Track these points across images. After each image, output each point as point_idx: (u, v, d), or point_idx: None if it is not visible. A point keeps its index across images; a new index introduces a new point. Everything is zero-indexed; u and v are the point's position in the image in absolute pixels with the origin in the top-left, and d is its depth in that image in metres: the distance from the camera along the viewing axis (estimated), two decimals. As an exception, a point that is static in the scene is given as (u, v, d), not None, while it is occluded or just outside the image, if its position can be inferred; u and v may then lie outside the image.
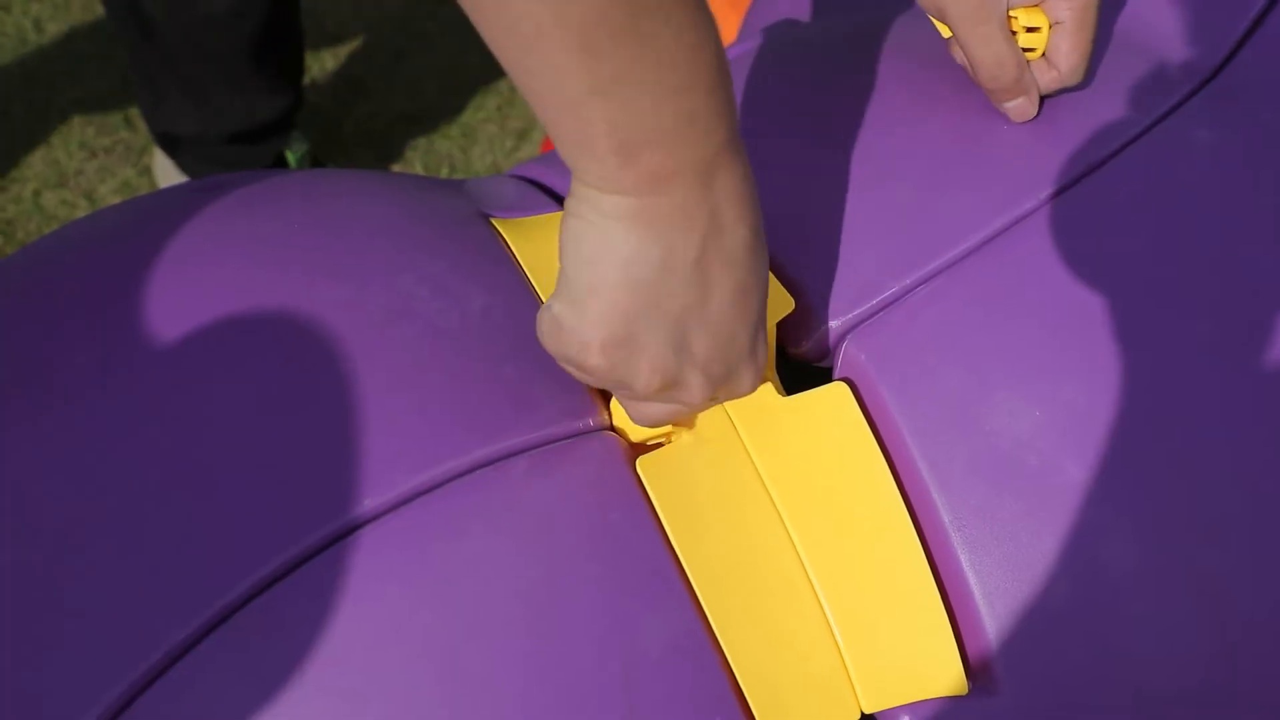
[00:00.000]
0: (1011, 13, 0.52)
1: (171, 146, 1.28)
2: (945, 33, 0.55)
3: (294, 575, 0.42)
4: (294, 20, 1.23)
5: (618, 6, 0.33)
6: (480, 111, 1.54)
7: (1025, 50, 0.52)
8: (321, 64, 1.57)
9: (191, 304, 0.47)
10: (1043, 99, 0.54)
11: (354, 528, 0.43)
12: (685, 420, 0.49)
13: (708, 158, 0.38)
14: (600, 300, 0.39)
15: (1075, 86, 0.54)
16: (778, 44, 0.63)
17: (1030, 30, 0.52)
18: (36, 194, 1.41)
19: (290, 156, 1.34)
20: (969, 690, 0.47)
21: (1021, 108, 0.53)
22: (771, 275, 0.52)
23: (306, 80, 1.54)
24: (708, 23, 0.36)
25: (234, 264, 0.49)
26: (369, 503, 0.43)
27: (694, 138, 0.37)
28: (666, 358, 0.41)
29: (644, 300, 0.39)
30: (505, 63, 0.36)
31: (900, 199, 0.52)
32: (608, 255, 0.39)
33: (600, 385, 0.43)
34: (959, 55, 0.54)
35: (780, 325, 0.51)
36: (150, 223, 0.52)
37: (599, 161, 0.37)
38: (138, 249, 0.50)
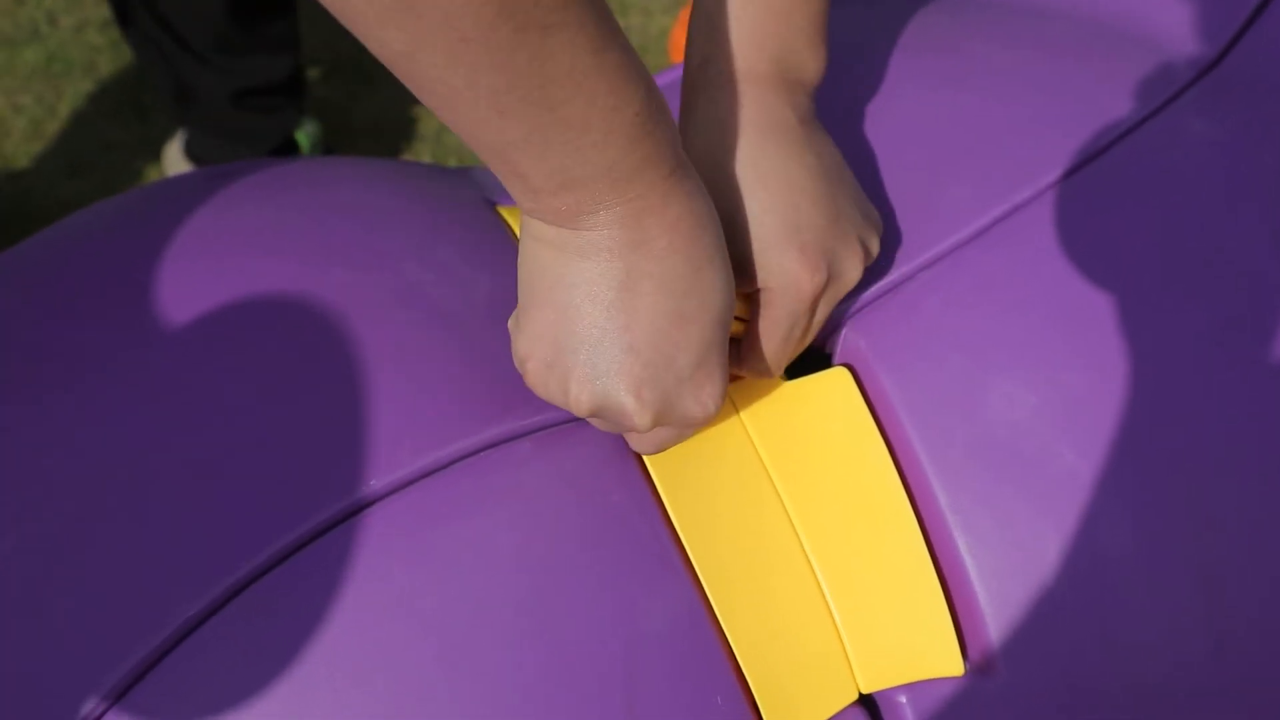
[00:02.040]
0: None
1: (184, 110, 1.30)
2: None
3: (301, 553, 0.42)
4: None
5: (525, 78, 0.34)
6: (490, 104, 1.54)
7: None
8: (332, 55, 1.57)
9: (202, 288, 0.48)
10: None
11: (361, 508, 0.44)
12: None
13: (630, 199, 0.39)
14: (532, 320, 0.41)
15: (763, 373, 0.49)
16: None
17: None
18: (52, 186, 1.42)
19: (303, 140, 1.35)
20: (965, 672, 0.47)
21: None
22: None
23: (316, 73, 1.54)
24: (629, 80, 0.37)
25: (244, 249, 0.50)
26: (375, 483, 0.44)
27: (613, 186, 0.38)
28: (592, 381, 0.41)
29: (568, 324, 0.40)
30: (433, 111, 0.37)
31: (899, 187, 0.52)
32: (539, 278, 0.41)
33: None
34: None
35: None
36: (160, 209, 0.53)
37: (523, 195, 0.39)
38: (148, 235, 0.51)
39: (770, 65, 0.46)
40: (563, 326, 0.41)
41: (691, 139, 0.46)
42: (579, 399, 0.42)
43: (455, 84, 0.35)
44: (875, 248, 0.48)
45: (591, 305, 0.40)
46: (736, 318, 0.47)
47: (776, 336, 0.47)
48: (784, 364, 0.48)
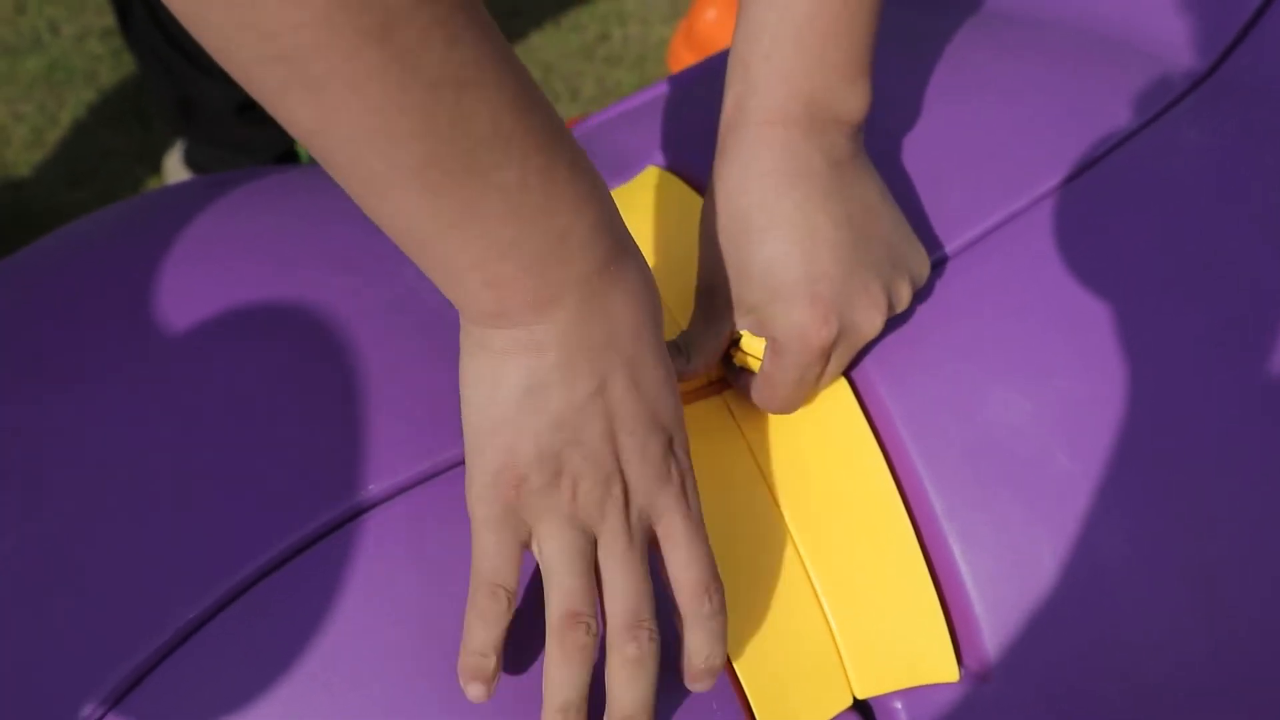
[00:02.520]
0: (742, 332, 0.47)
1: (185, 122, 1.31)
2: None
3: (300, 557, 0.43)
4: None
5: (447, 144, 0.32)
6: (489, 113, 1.55)
7: (746, 358, 0.48)
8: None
9: (202, 293, 0.48)
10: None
11: (359, 512, 0.44)
12: None
13: (591, 274, 0.37)
14: (492, 441, 0.39)
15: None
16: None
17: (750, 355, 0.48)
18: (52, 194, 1.42)
19: (302, 151, 1.35)
20: (960, 678, 0.48)
21: None
22: None
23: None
24: (556, 140, 0.35)
25: (244, 255, 0.50)
26: (374, 488, 0.44)
27: (569, 257, 0.37)
28: (560, 484, 0.39)
29: (537, 428, 0.38)
30: (363, 208, 0.35)
31: (896, 195, 0.52)
32: (500, 391, 0.38)
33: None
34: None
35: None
36: (161, 216, 0.53)
37: (475, 298, 0.37)
38: (149, 241, 0.51)
39: (802, 106, 0.44)
40: (540, 444, 0.38)
41: (719, 179, 0.46)
42: (572, 507, 0.40)
43: (375, 165, 0.33)
44: (905, 296, 0.47)
45: (572, 412, 0.38)
46: (750, 355, 0.48)
47: (786, 384, 0.46)
48: (798, 406, 0.48)
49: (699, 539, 0.41)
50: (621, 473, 0.40)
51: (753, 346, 0.47)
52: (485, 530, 0.40)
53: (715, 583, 0.41)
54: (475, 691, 0.39)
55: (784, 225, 0.44)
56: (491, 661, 0.39)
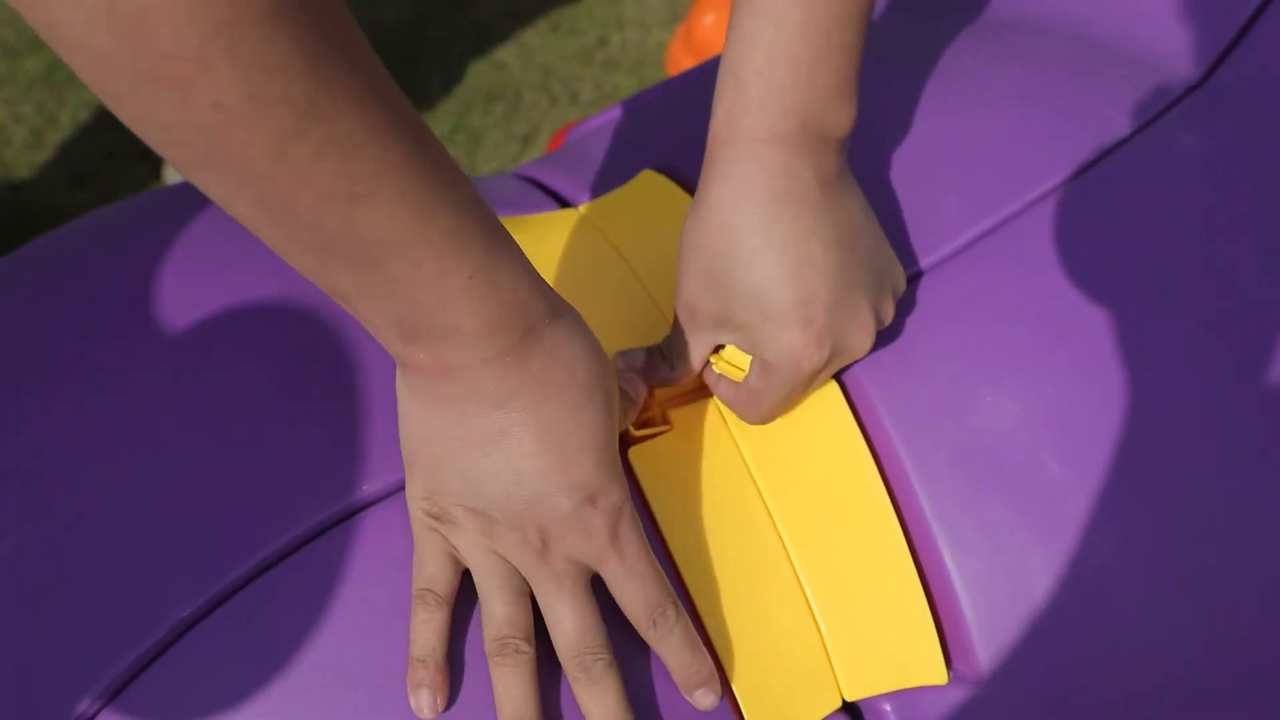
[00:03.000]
0: (728, 346, 0.48)
1: None
2: None
3: (296, 555, 0.43)
4: None
5: (339, 240, 0.33)
6: (487, 116, 1.56)
7: (729, 368, 0.48)
8: (333, 68, 1.58)
9: (202, 293, 0.49)
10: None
11: (355, 511, 0.44)
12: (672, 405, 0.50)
13: (488, 359, 0.38)
14: (416, 469, 0.41)
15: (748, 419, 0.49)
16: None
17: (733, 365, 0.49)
18: (53, 195, 1.43)
19: None
20: (949, 680, 0.48)
21: None
22: None
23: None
24: (461, 247, 0.35)
25: (244, 255, 0.51)
26: (370, 487, 0.45)
27: (459, 345, 0.37)
28: (476, 525, 0.41)
29: (446, 473, 0.40)
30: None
31: (889, 201, 0.53)
32: (416, 428, 0.41)
33: None
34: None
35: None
36: (160, 216, 0.54)
37: (386, 342, 0.38)
38: (149, 241, 0.51)
39: (795, 123, 0.44)
40: (441, 477, 0.41)
41: (709, 195, 0.45)
42: (468, 545, 0.41)
43: (274, 237, 0.34)
44: (890, 312, 0.47)
45: (468, 455, 0.40)
46: (733, 365, 0.48)
47: (772, 401, 0.47)
48: (776, 418, 0.49)
49: (638, 572, 0.42)
50: (539, 523, 0.41)
51: (736, 357, 0.48)
52: (422, 540, 0.42)
53: (660, 604, 0.42)
54: (424, 701, 0.41)
55: (777, 247, 0.44)
56: (429, 667, 0.41)
